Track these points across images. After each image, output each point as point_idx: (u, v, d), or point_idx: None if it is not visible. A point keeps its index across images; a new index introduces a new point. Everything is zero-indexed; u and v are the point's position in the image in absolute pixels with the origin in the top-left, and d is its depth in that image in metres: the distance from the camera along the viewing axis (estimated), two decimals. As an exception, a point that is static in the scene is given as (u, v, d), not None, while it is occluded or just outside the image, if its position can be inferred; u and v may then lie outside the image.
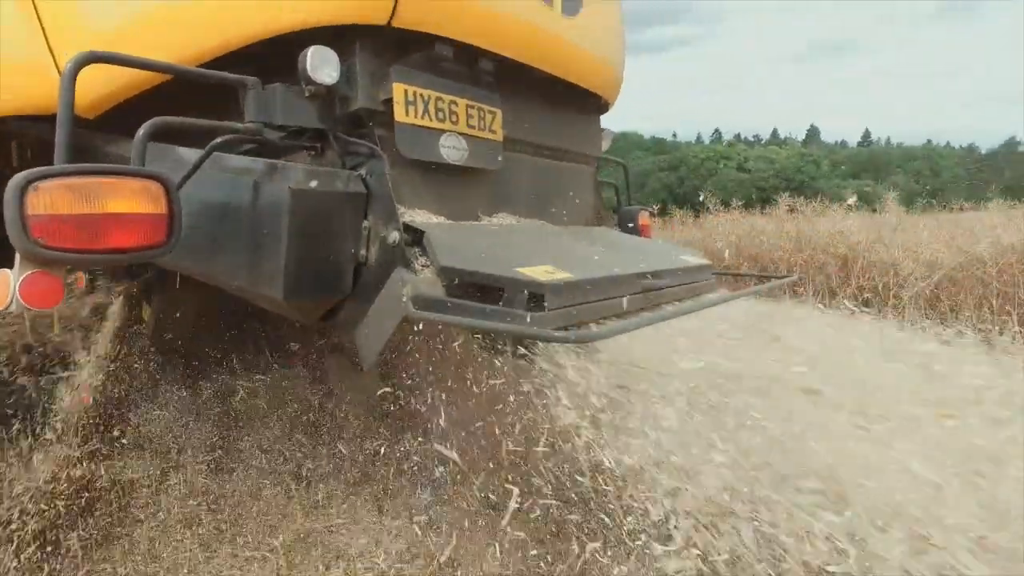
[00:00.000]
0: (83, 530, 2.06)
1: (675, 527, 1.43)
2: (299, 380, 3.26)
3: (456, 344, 1.89)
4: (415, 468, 2.46)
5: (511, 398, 1.83)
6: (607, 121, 2.89)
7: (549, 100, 2.36)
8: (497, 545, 1.92)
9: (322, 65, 1.52)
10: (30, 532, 1.91)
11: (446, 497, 2.27)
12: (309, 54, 1.49)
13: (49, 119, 1.31)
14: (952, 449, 1.55)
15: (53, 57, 1.81)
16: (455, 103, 1.86)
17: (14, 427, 2.17)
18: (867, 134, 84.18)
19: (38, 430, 2.22)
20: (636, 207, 3.01)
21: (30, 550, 1.88)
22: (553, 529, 1.98)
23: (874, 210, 7.47)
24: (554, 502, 1.93)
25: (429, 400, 2.04)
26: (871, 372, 2.02)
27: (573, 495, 1.97)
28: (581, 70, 2.39)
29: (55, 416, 2.26)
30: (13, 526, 1.89)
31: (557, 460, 1.91)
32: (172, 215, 1.30)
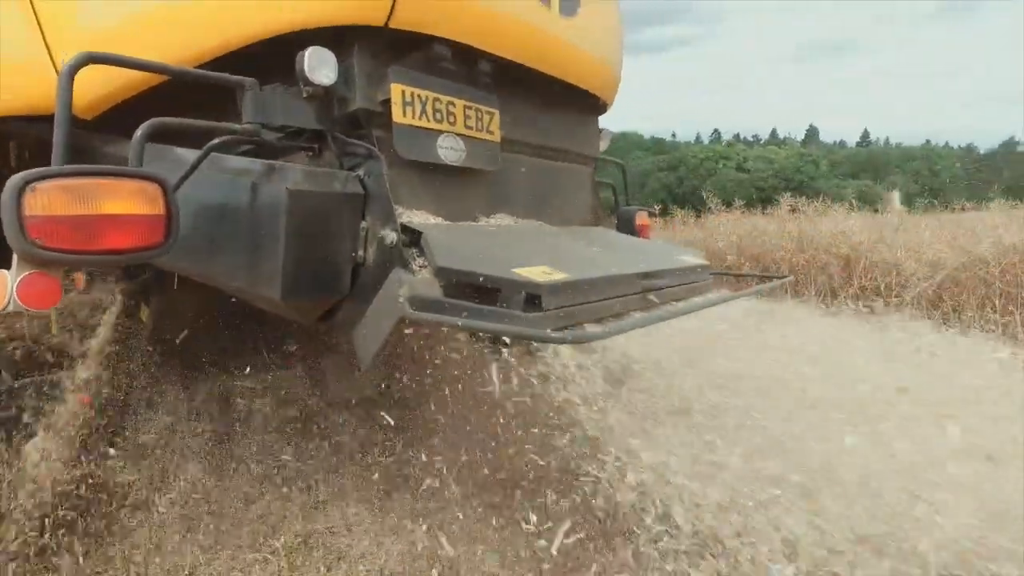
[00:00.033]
0: (82, 532, 2.05)
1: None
2: (299, 380, 3.25)
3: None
4: (416, 469, 2.46)
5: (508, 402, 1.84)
6: (606, 121, 2.90)
7: (547, 101, 2.36)
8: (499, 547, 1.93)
9: (320, 66, 1.52)
10: (29, 533, 1.91)
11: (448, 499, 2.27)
12: (307, 55, 1.49)
13: (48, 119, 1.31)
14: None
15: (51, 57, 1.81)
16: (453, 104, 1.86)
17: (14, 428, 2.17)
18: (866, 134, 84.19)
19: (37, 431, 2.22)
20: (634, 207, 3.02)
21: (29, 551, 1.88)
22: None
23: (875, 210, 7.48)
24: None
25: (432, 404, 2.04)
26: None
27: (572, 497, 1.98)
28: (579, 71, 2.39)
29: (54, 416, 2.26)
30: (12, 527, 1.89)
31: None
32: (169, 216, 1.30)
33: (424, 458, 2.41)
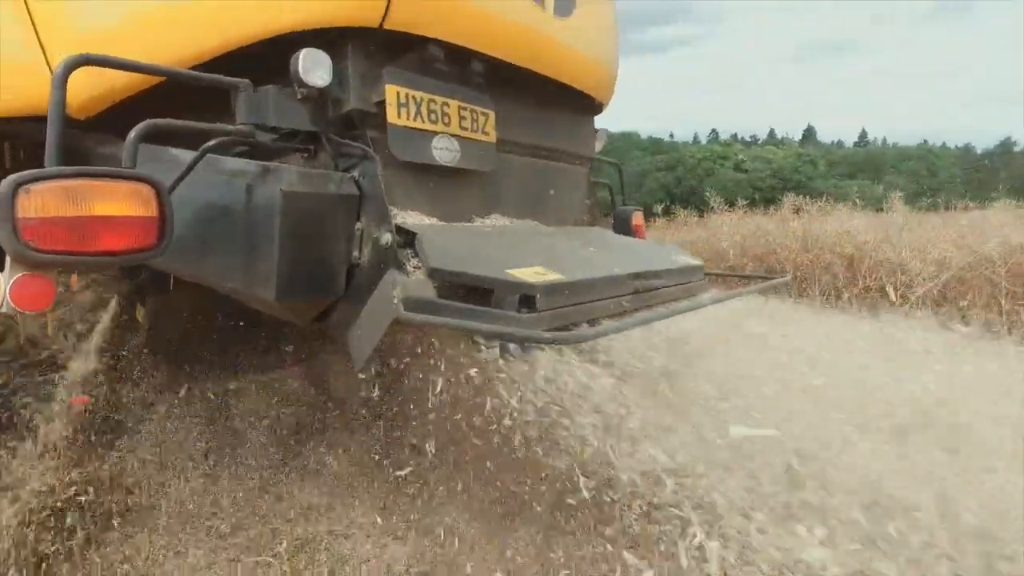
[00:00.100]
0: (81, 534, 2.04)
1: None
2: (298, 381, 3.25)
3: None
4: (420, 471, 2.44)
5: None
6: (606, 121, 2.90)
7: (542, 101, 2.36)
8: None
9: (314, 67, 1.52)
10: (28, 536, 1.90)
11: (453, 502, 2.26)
12: (301, 56, 1.49)
13: (42, 120, 1.31)
14: None
15: (46, 57, 1.81)
16: (447, 105, 1.86)
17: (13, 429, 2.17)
18: (864, 134, 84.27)
19: (36, 431, 2.22)
20: (630, 207, 3.02)
21: (26, 553, 1.87)
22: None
23: (879, 209, 7.47)
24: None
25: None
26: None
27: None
28: (574, 71, 2.39)
29: (53, 417, 2.26)
30: (9, 531, 1.89)
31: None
32: (163, 218, 1.30)
33: (428, 461, 2.39)
